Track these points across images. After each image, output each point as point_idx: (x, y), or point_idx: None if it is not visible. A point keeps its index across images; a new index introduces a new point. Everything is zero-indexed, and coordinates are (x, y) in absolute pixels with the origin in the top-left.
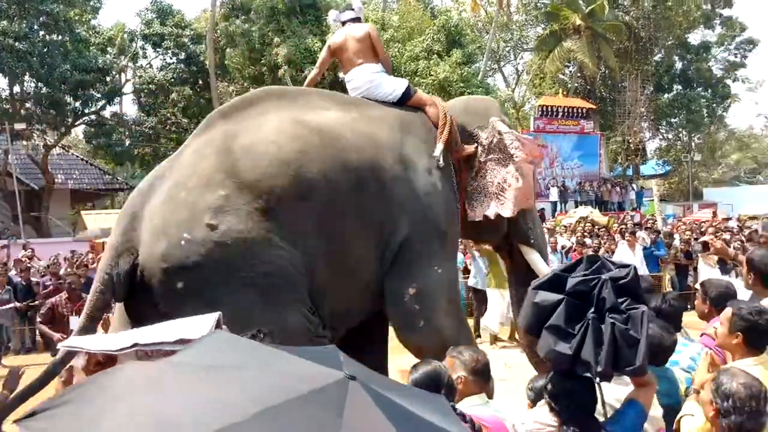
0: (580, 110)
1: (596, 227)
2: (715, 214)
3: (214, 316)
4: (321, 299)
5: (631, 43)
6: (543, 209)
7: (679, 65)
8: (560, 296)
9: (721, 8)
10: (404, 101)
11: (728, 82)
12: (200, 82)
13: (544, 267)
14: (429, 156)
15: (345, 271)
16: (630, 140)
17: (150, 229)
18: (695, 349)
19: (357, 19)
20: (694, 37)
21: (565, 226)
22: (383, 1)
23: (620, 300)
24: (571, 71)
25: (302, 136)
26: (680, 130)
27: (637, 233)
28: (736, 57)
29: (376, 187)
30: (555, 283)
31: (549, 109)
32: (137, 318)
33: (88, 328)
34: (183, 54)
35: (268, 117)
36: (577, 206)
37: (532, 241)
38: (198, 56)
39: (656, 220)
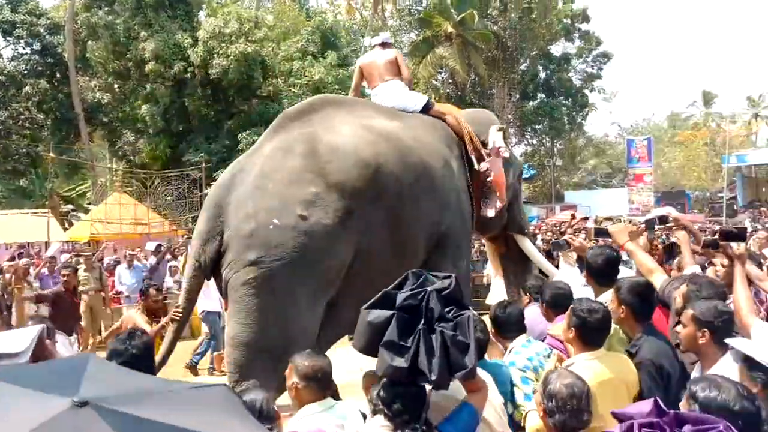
0: None
1: None
2: (573, 216)
3: (36, 329)
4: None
5: (499, 52)
6: None
7: (542, 75)
8: (391, 312)
9: (580, 23)
10: (425, 112)
11: (586, 92)
12: (58, 75)
13: (536, 252)
14: (457, 159)
15: (402, 259)
16: None
17: (238, 213)
18: (535, 349)
19: (386, 44)
20: (556, 49)
21: None
22: None
23: (447, 309)
24: (443, 77)
25: (375, 141)
26: (544, 136)
27: None
28: (593, 69)
29: (428, 184)
30: (385, 300)
31: None
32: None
33: (186, 308)
34: (38, 44)
35: (336, 122)
36: None
37: (526, 230)
38: (55, 47)
39: None
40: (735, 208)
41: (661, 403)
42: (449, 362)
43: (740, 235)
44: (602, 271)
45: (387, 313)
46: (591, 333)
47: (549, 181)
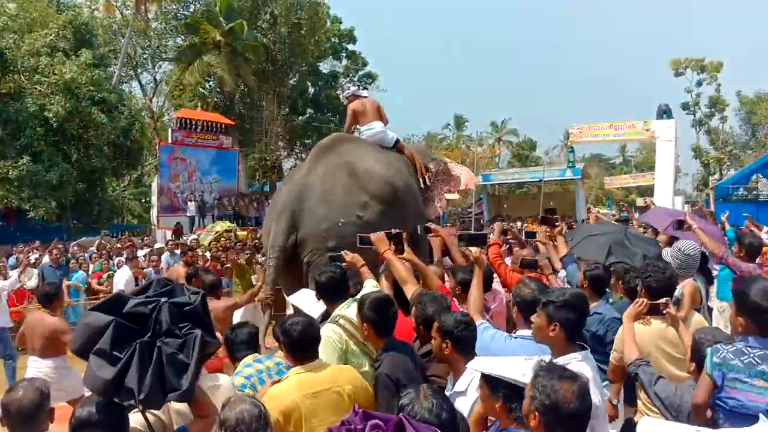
0: (219, 125)
1: (237, 242)
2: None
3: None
4: None
5: (269, 65)
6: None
7: (311, 90)
8: (110, 318)
9: (347, 43)
10: (394, 147)
11: None
12: None
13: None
14: (414, 178)
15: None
16: (267, 158)
17: (313, 217)
18: (258, 367)
19: (366, 96)
20: (325, 66)
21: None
22: None
23: (182, 325)
24: (211, 86)
25: (388, 165)
26: None
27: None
28: (359, 88)
29: (410, 195)
30: (114, 304)
31: (188, 121)
32: (287, 273)
33: (274, 281)
34: None
35: (358, 154)
36: (215, 221)
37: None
38: None
39: None
40: (482, 222)
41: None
42: (163, 381)
43: (481, 239)
44: (331, 288)
45: (107, 317)
46: (294, 347)
47: None
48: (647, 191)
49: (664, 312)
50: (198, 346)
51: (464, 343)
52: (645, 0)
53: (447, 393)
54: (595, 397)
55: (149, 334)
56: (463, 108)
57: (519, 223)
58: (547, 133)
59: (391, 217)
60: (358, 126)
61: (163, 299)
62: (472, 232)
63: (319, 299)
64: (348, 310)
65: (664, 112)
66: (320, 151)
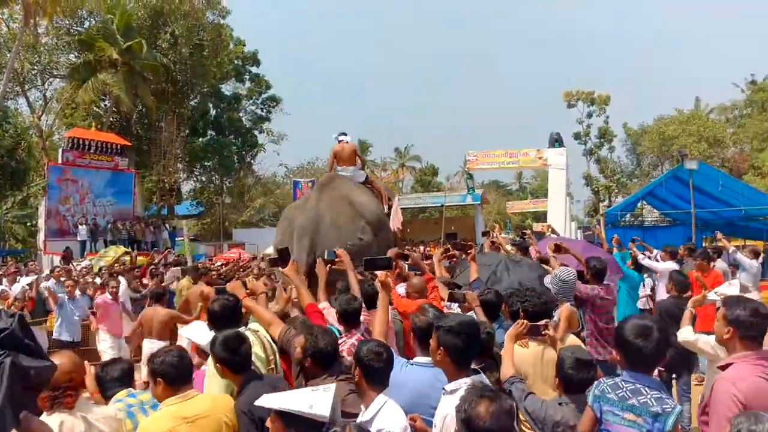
0: (114, 146)
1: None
2: (240, 254)
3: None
4: None
5: (169, 85)
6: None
7: (213, 112)
8: None
9: (251, 65)
10: (365, 181)
11: (256, 132)
12: None
13: None
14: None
15: None
16: (165, 180)
17: (328, 240)
18: (128, 402)
19: (346, 141)
20: (227, 88)
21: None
22: None
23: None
24: (106, 105)
25: (371, 198)
26: (213, 173)
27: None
28: (262, 111)
29: (386, 223)
30: None
31: (81, 141)
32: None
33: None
34: None
35: (350, 187)
36: (107, 245)
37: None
38: None
39: (187, 260)
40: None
41: None
42: None
43: (386, 263)
44: (223, 317)
45: None
46: (165, 379)
47: (218, 218)
48: (542, 216)
49: (543, 333)
50: (7, 372)
51: (374, 373)
52: (538, 35)
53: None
54: None
55: None
56: (367, 134)
57: (422, 247)
58: (449, 160)
59: (379, 239)
60: (336, 166)
61: None
62: (376, 257)
63: (210, 329)
64: None
65: (556, 141)
66: (321, 186)
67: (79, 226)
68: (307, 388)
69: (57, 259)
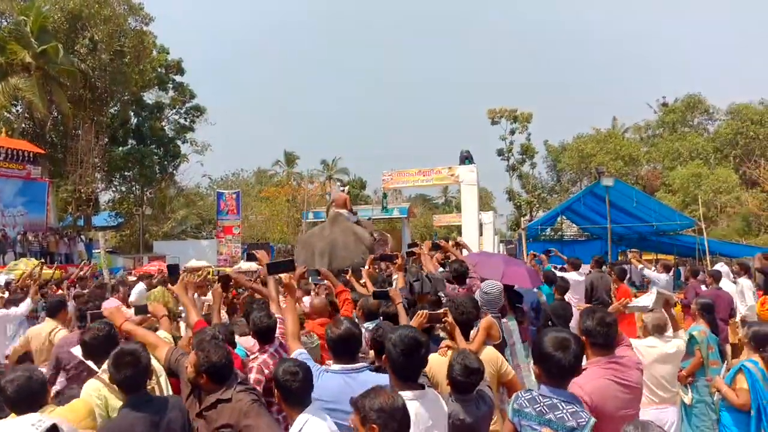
0: (27, 154)
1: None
2: (160, 267)
3: None
4: None
5: (87, 92)
6: None
7: (134, 120)
8: None
9: (174, 74)
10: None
11: (179, 142)
12: None
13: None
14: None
15: None
16: (82, 190)
17: (341, 259)
18: None
19: (343, 191)
20: (150, 96)
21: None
22: None
23: None
24: (18, 111)
25: (364, 231)
26: (134, 183)
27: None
28: (186, 121)
29: (372, 249)
30: None
31: None
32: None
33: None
34: None
35: (351, 223)
36: (17, 258)
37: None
38: None
39: (103, 273)
40: None
41: None
42: None
43: (287, 266)
44: (96, 346)
45: None
46: (9, 403)
47: (138, 230)
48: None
49: (444, 321)
50: None
51: (292, 393)
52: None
53: None
54: None
55: None
56: (293, 145)
57: None
58: (377, 173)
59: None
60: (334, 208)
61: None
62: (279, 260)
63: (85, 358)
64: None
65: (466, 158)
66: (331, 221)
67: None
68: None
69: None
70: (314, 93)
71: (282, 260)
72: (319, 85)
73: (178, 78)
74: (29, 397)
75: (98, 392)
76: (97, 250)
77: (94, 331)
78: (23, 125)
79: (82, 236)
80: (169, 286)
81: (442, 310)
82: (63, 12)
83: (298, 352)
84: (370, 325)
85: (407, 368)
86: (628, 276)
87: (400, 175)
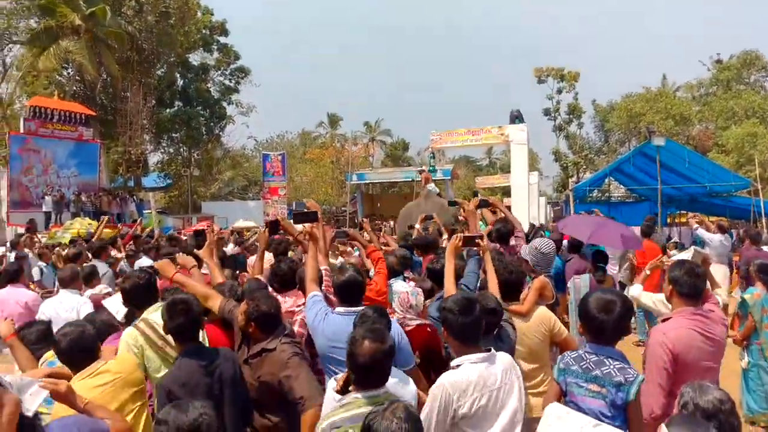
0: (78, 116)
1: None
2: (209, 225)
3: None
4: None
5: (134, 54)
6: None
7: (180, 82)
8: None
9: (219, 35)
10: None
11: (224, 104)
12: None
13: None
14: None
15: None
16: (132, 151)
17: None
18: None
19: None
20: (195, 58)
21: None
22: None
23: None
24: (69, 73)
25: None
26: (181, 145)
27: None
28: (230, 82)
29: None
30: None
31: (43, 111)
32: None
33: None
34: None
35: (437, 198)
36: (73, 217)
37: None
38: None
39: (154, 233)
40: (356, 220)
41: None
42: None
43: (312, 217)
44: (136, 294)
45: None
46: (63, 357)
47: (186, 191)
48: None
49: (477, 242)
50: None
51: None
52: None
53: None
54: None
55: None
56: (336, 107)
57: (391, 222)
58: (420, 134)
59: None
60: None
61: None
62: (303, 210)
63: (125, 305)
64: (154, 314)
65: (516, 117)
66: (426, 195)
67: (45, 197)
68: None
69: (21, 231)
70: (358, 54)
71: (307, 211)
72: (362, 46)
73: (222, 39)
74: (81, 350)
75: (135, 341)
76: (147, 210)
77: (134, 278)
78: (74, 88)
79: (134, 196)
80: (196, 250)
81: (477, 234)
82: None
83: (312, 294)
84: (394, 281)
85: (465, 331)
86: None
87: (449, 135)
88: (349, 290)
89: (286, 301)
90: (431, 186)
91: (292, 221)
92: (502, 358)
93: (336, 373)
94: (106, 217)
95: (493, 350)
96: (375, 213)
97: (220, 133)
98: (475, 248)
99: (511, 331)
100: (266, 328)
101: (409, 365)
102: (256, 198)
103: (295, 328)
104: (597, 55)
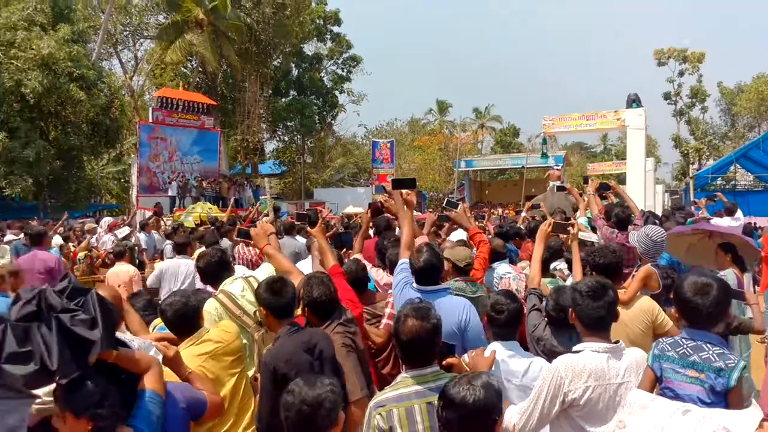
0: (201, 105)
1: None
2: (321, 210)
3: None
4: None
5: (252, 45)
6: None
7: (295, 72)
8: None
9: (332, 25)
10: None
11: (336, 93)
12: None
13: None
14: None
15: None
16: (249, 139)
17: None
18: None
19: (557, 168)
20: (309, 48)
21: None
22: None
23: (75, 301)
24: (193, 65)
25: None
26: (295, 133)
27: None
28: (343, 71)
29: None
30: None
31: (169, 101)
32: None
33: None
34: None
35: (562, 193)
36: (195, 202)
37: None
38: None
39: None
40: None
41: None
42: (73, 345)
43: (410, 183)
44: (210, 270)
45: None
46: (170, 325)
47: (300, 177)
48: (623, 178)
49: (568, 229)
50: (97, 302)
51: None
52: None
53: None
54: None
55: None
56: (445, 94)
57: (500, 210)
58: (531, 120)
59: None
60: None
61: (41, 289)
62: (402, 177)
63: (202, 281)
64: (231, 285)
65: (634, 101)
66: (549, 191)
67: (171, 183)
68: None
69: (148, 214)
70: (467, 39)
71: (406, 178)
72: (471, 31)
73: (335, 29)
74: (186, 319)
75: (216, 311)
76: (263, 196)
77: (207, 256)
78: (197, 79)
79: (250, 183)
80: (309, 228)
81: (569, 222)
82: None
83: (402, 261)
84: (498, 265)
85: (591, 316)
86: None
87: (562, 120)
88: (423, 271)
89: (390, 276)
90: (558, 182)
91: (390, 185)
92: (633, 354)
93: None
94: (233, 200)
95: (621, 343)
96: (482, 200)
97: (332, 122)
98: (564, 234)
99: None
100: (318, 313)
101: (477, 345)
102: (366, 184)
103: (384, 320)
104: (723, 33)
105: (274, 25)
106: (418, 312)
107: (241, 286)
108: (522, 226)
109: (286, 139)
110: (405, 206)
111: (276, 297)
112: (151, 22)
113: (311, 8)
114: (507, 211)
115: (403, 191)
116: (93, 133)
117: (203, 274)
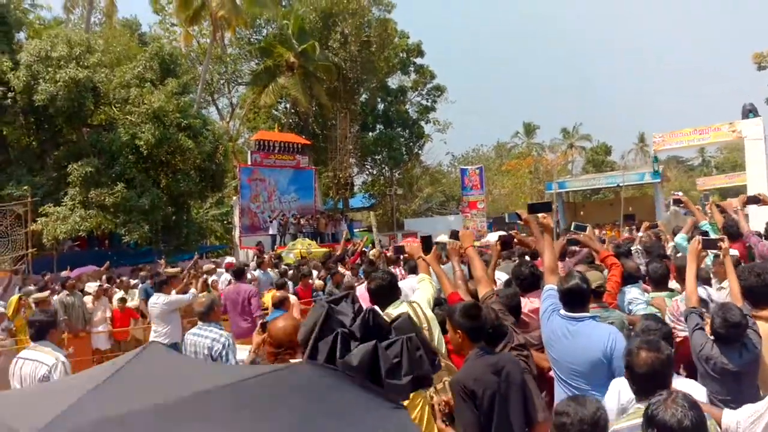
0: (295, 145)
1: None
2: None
3: None
4: None
5: (340, 83)
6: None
7: (381, 106)
8: (371, 343)
9: (415, 57)
10: None
11: (422, 123)
12: None
13: None
14: None
15: None
16: (340, 175)
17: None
18: None
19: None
20: (393, 81)
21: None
22: (86, 22)
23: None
24: (285, 107)
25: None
26: (383, 166)
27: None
28: (427, 101)
29: None
30: (343, 341)
31: (266, 143)
32: None
33: None
34: None
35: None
36: (294, 239)
37: None
38: None
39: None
40: (557, 231)
41: None
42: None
43: (546, 206)
44: (381, 293)
45: (367, 345)
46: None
47: (390, 209)
48: (731, 192)
49: (719, 246)
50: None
51: (474, 334)
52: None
53: None
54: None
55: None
56: (531, 116)
57: (597, 230)
58: (622, 136)
59: None
60: None
61: (363, 309)
62: (539, 202)
63: (372, 303)
64: (393, 310)
65: (750, 111)
66: (672, 215)
67: (272, 222)
68: None
69: (251, 253)
70: (550, 59)
71: (541, 202)
72: (554, 50)
73: (418, 60)
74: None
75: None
76: (359, 229)
77: (378, 280)
78: (290, 120)
79: (345, 217)
80: (423, 255)
81: (720, 237)
82: (316, 11)
83: (548, 288)
84: (629, 289)
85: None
86: None
87: (672, 136)
88: (571, 296)
89: (533, 302)
90: (677, 208)
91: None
92: None
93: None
94: (346, 233)
95: None
96: (577, 221)
97: (419, 152)
98: (715, 250)
99: (756, 339)
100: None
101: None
102: (455, 212)
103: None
104: None
105: (361, 63)
106: (650, 344)
107: (405, 309)
108: (640, 247)
109: (375, 172)
110: (543, 231)
111: (472, 321)
112: (244, 69)
113: (395, 43)
114: (604, 231)
115: (539, 215)
116: (200, 178)
117: (373, 296)
